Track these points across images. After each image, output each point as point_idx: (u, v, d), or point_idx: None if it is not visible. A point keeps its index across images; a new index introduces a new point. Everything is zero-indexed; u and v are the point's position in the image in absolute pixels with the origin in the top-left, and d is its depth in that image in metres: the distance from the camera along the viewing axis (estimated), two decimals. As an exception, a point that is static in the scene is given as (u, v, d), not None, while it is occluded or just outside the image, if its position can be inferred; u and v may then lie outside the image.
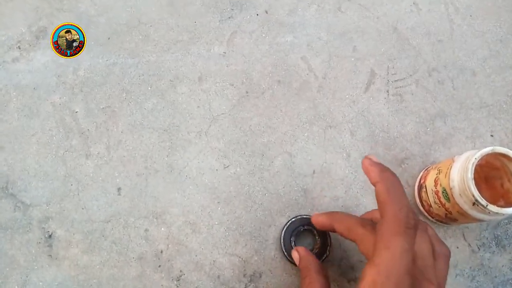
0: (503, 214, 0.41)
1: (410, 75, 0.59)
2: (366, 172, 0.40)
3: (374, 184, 0.39)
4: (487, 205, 0.41)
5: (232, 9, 0.60)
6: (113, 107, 0.56)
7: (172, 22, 0.59)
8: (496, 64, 0.60)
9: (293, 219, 0.52)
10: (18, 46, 0.58)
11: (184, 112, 0.56)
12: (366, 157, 0.41)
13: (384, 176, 0.38)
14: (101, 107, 0.56)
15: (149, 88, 0.57)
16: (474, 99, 0.58)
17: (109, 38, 0.58)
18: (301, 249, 0.48)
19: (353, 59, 0.59)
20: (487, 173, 0.47)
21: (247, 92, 0.57)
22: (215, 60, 0.58)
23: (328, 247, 0.51)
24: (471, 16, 0.61)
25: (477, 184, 0.42)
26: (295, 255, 0.48)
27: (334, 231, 0.44)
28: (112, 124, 0.56)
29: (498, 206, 0.41)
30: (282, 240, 0.51)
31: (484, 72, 0.59)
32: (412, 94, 0.58)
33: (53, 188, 0.53)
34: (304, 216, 0.52)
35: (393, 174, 0.39)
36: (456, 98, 0.58)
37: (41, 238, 0.52)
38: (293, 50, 0.59)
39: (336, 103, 0.58)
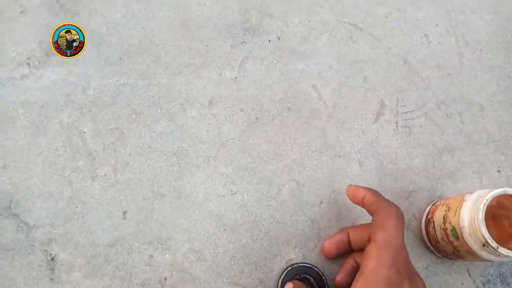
0: None
1: (419, 107, 0.59)
2: (354, 192, 0.48)
3: (362, 199, 0.47)
4: (497, 248, 0.41)
5: (245, 34, 0.60)
6: (122, 129, 0.56)
7: (184, 44, 0.59)
8: (504, 99, 0.60)
9: (290, 268, 0.51)
10: (28, 63, 0.57)
11: (193, 136, 0.56)
12: (349, 185, 0.50)
13: (371, 190, 0.47)
14: (110, 128, 0.56)
15: (159, 111, 0.56)
16: (481, 134, 0.59)
17: (120, 58, 0.58)
18: (296, 282, 0.49)
19: (363, 89, 0.59)
20: (496, 212, 0.47)
21: (256, 118, 0.57)
22: (226, 85, 0.58)
23: None
24: (480, 50, 0.62)
25: (485, 222, 0.42)
26: (289, 285, 0.49)
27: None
28: (120, 145, 0.55)
29: (508, 248, 0.41)
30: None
31: (492, 107, 0.60)
32: (421, 126, 0.58)
33: (58, 209, 0.53)
34: (301, 265, 0.51)
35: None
36: (464, 132, 0.58)
37: (43, 261, 0.51)
38: (303, 78, 0.59)
39: (345, 133, 0.57)
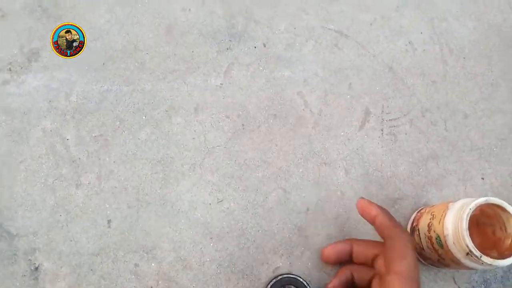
0: (497, 266, 0.42)
1: (404, 114, 0.60)
2: (365, 209, 0.47)
3: (373, 218, 0.46)
4: (481, 256, 0.42)
5: (230, 41, 0.60)
6: (106, 136, 0.55)
7: (169, 50, 0.59)
8: (487, 107, 0.61)
9: (275, 280, 0.51)
10: (9, 68, 0.56)
11: (178, 144, 0.56)
12: (361, 198, 0.48)
13: (383, 210, 0.46)
14: (93, 135, 0.55)
15: (144, 118, 0.56)
16: (465, 142, 0.59)
17: (103, 64, 0.57)
18: None
19: (348, 97, 0.60)
20: (479, 219, 0.48)
21: (243, 125, 0.57)
22: (212, 92, 0.58)
23: None
24: (464, 58, 0.63)
25: (469, 230, 0.43)
26: None
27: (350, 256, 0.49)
28: (104, 153, 0.54)
29: (491, 257, 0.42)
30: None
31: (475, 114, 0.61)
32: (406, 134, 0.59)
33: (41, 218, 0.52)
34: (286, 276, 0.51)
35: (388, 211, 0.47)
36: (448, 140, 0.59)
37: (27, 271, 0.50)
38: (289, 85, 0.59)
39: (331, 140, 0.58)
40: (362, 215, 0.48)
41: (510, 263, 0.42)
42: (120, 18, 0.59)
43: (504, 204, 0.43)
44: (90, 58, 0.57)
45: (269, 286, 0.51)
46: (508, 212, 0.43)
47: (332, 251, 0.51)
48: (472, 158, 0.59)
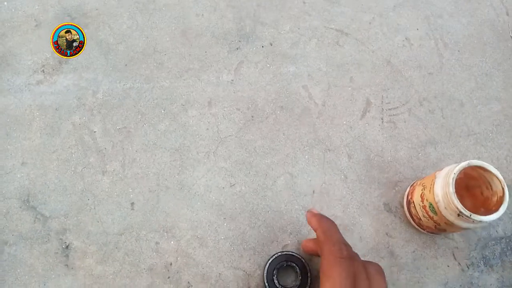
0: (486, 222, 0.45)
1: (403, 104, 0.64)
2: (309, 223, 0.49)
3: (315, 231, 0.48)
4: (470, 215, 0.45)
5: (240, 41, 0.65)
6: (129, 128, 0.61)
7: (184, 51, 0.65)
8: (482, 95, 0.65)
9: (277, 255, 0.55)
10: (42, 70, 0.62)
11: (194, 134, 0.61)
12: (308, 211, 0.50)
13: (322, 223, 0.47)
14: (118, 127, 0.61)
15: (162, 111, 0.62)
16: (462, 128, 0.63)
17: (126, 65, 0.63)
18: None
19: (350, 89, 0.64)
20: (467, 183, 0.51)
21: (252, 116, 0.62)
22: (224, 87, 0.63)
23: (308, 285, 0.54)
24: (459, 51, 0.67)
25: (459, 194, 0.46)
26: None
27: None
28: (127, 143, 0.60)
29: (480, 214, 0.45)
30: (265, 273, 0.54)
31: (471, 102, 0.64)
32: (405, 122, 0.63)
33: (71, 202, 0.57)
34: (285, 253, 0.55)
35: (329, 221, 0.48)
36: (445, 126, 0.63)
37: (59, 249, 0.56)
38: (295, 79, 0.64)
39: (335, 129, 0.62)
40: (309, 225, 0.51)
41: (497, 217, 0.45)
42: (140, 24, 0.65)
43: (485, 165, 0.47)
44: (114, 60, 0.63)
45: (270, 260, 0.55)
46: (490, 172, 0.47)
47: (305, 245, 0.53)
48: (469, 143, 0.62)
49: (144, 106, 0.62)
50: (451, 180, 0.46)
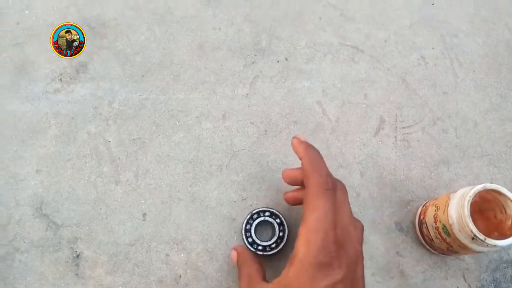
0: (501, 246, 0.45)
1: (417, 123, 0.64)
2: (295, 150, 0.48)
3: (300, 159, 0.47)
4: (485, 239, 0.45)
5: (256, 55, 0.66)
6: (143, 139, 0.61)
7: (200, 64, 0.65)
8: (497, 116, 0.65)
9: (255, 211, 0.56)
10: (60, 79, 0.63)
11: (207, 146, 0.61)
12: (294, 137, 0.50)
13: (308, 152, 0.47)
14: (132, 138, 0.61)
15: (177, 123, 0.62)
16: (476, 148, 0.63)
17: (143, 76, 0.64)
18: (239, 247, 0.53)
19: (364, 106, 0.64)
20: (481, 205, 0.51)
21: (266, 130, 0.62)
22: (238, 100, 0.64)
23: (284, 240, 0.56)
24: (474, 71, 0.67)
25: (473, 217, 0.46)
26: (233, 253, 0.52)
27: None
28: (141, 154, 0.60)
29: (493, 238, 0.45)
30: (243, 230, 0.56)
31: (486, 123, 0.64)
32: (418, 140, 0.63)
33: (84, 211, 0.58)
34: (265, 208, 0.57)
35: (315, 150, 0.47)
36: (459, 146, 0.63)
37: (69, 257, 0.56)
38: (309, 95, 0.64)
39: (348, 145, 0.62)
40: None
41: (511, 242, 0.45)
42: (158, 35, 0.66)
43: (500, 188, 0.47)
44: (131, 70, 0.64)
45: (248, 216, 0.56)
46: (505, 195, 0.47)
47: (288, 175, 0.52)
48: (482, 163, 0.62)
49: (159, 117, 0.62)
50: (466, 203, 0.45)
